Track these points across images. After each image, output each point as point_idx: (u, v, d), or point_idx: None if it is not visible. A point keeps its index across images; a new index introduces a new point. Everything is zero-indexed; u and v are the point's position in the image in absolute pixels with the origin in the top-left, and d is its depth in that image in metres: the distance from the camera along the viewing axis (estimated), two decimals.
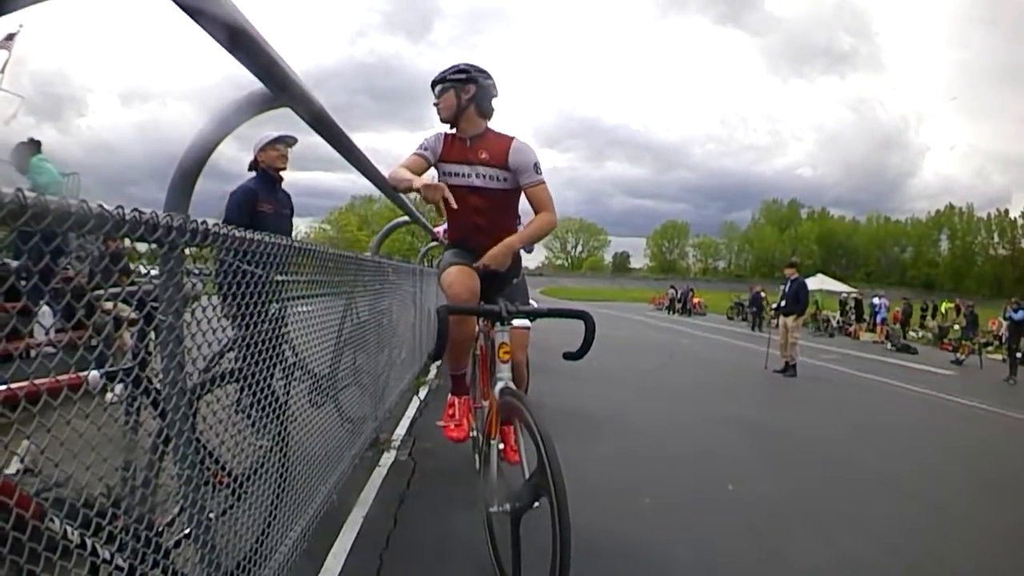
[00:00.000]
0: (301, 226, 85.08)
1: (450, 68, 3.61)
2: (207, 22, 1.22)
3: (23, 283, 1.45)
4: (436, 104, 3.62)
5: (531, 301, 4.14)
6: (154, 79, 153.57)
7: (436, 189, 3.19)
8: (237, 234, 1.85)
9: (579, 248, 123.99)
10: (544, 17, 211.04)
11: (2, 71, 14.27)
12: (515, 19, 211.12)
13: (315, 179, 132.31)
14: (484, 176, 3.55)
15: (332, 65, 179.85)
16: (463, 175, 3.57)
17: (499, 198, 3.61)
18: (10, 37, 14.48)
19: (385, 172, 3.40)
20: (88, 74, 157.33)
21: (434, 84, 3.64)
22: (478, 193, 3.57)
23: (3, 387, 1.36)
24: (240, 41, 1.34)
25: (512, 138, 3.59)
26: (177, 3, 1.14)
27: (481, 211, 3.61)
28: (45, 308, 5.15)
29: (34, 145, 7.43)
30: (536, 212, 3.54)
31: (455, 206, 3.23)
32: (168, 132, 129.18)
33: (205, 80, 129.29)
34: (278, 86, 1.61)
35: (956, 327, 23.72)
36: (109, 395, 1.81)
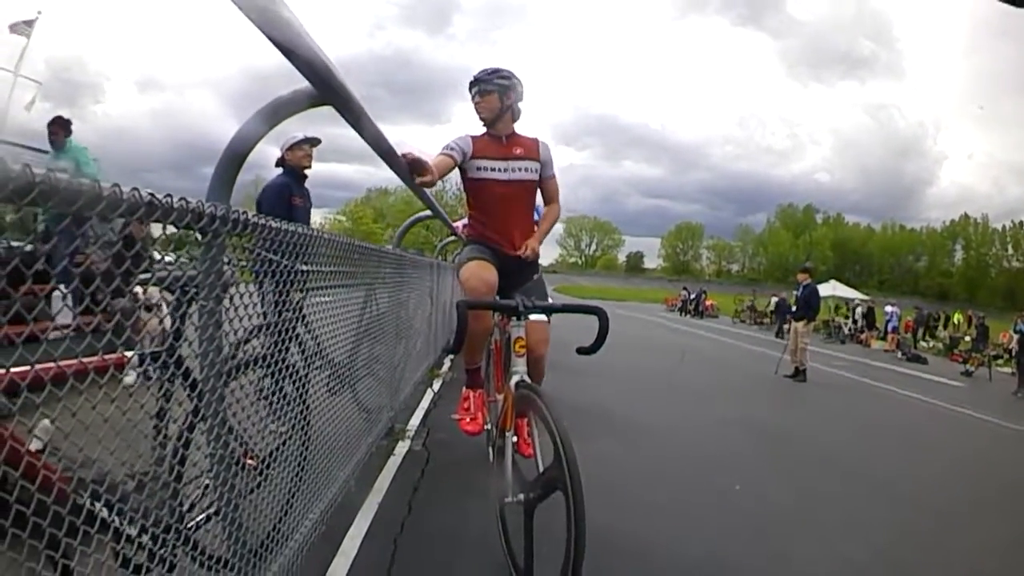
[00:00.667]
0: (316, 217, 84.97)
1: (492, 71, 3.81)
2: (272, 32, 1.29)
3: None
4: (477, 103, 3.83)
5: (548, 298, 4.20)
6: (172, 68, 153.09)
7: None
8: (274, 224, 1.92)
9: (593, 247, 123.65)
10: (563, 14, 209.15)
11: (20, 57, 14.41)
12: (534, 15, 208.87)
13: (332, 170, 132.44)
14: (520, 169, 3.84)
15: (350, 57, 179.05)
16: (499, 169, 3.82)
17: (527, 188, 3.91)
18: (28, 23, 14.61)
19: None
20: (106, 61, 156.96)
21: (474, 83, 3.84)
22: (510, 185, 3.84)
23: (51, 364, 1.41)
24: (297, 47, 1.41)
25: (536, 137, 3.96)
26: (266, 36, 1.21)
27: (509, 200, 3.86)
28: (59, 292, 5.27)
29: (66, 125, 7.52)
30: (548, 201, 4.06)
31: (434, 174, 3.38)
32: (184, 120, 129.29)
33: (222, 70, 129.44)
34: (325, 87, 1.67)
35: (967, 338, 23.65)
36: (128, 378, 1.87)
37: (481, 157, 3.82)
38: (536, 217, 4.22)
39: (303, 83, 1.66)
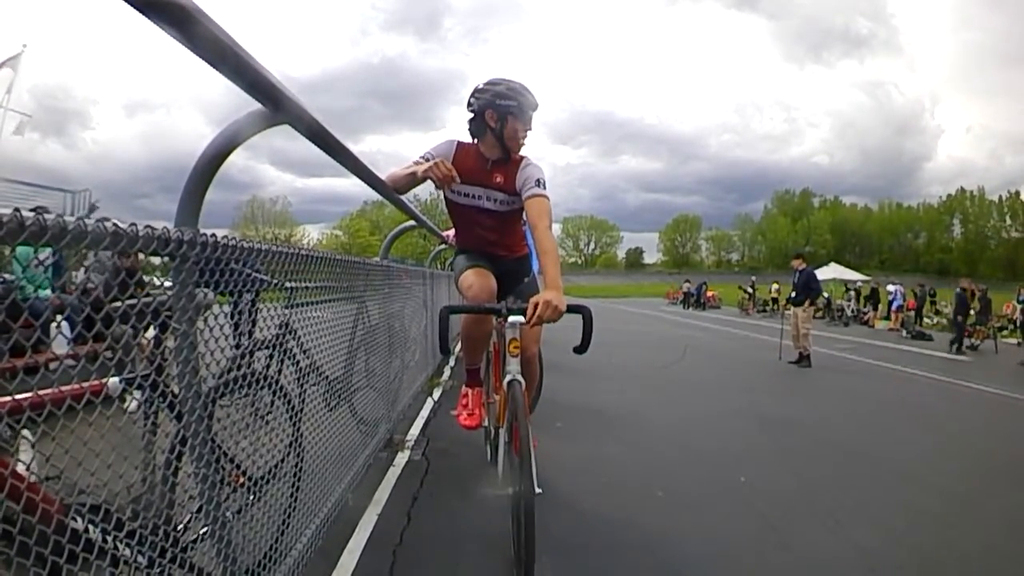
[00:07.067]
0: (313, 232, 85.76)
1: (526, 88, 3.43)
2: (201, 49, 1.31)
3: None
4: (524, 137, 3.48)
5: None
6: (157, 88, 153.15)
7: (439, 168, 3.18)
8: (244, 244, 1.95)
9: (592, 245, 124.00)
10: (556, 9, 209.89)
11: (8, 91, 14.54)
12: (527, 12, 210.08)
13: (327, 185, 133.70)
14: (496, 200, 3.56)
15: (339, 68, 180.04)
16: (475, 196, 3.57)
17: (508, 216, 3.66)
18: (14, 58, 14.77)
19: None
20: (91, 86, 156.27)
21: (517, 108, 3.40)
22: (488, 214, 3.61)
23: (29, 394, 1.44)
24: (238, 67, 1.44)
25: (524, 157, 3.51)
26: (190, 45, 1.23)
27: (491, 228, 3.68)
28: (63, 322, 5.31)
29: None
30: (533, 224, 3.26)
31: (458, 180, 3.26)
32: (174, 142, 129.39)
33: (208, 88, 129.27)
34: (276, 107, 1.70)
35: (971, 312, 23.61)
36: (130, 403, 1.91)
37: (460, 179, 3.42)
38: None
39: (257, 105, 1.69)
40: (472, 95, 3.44)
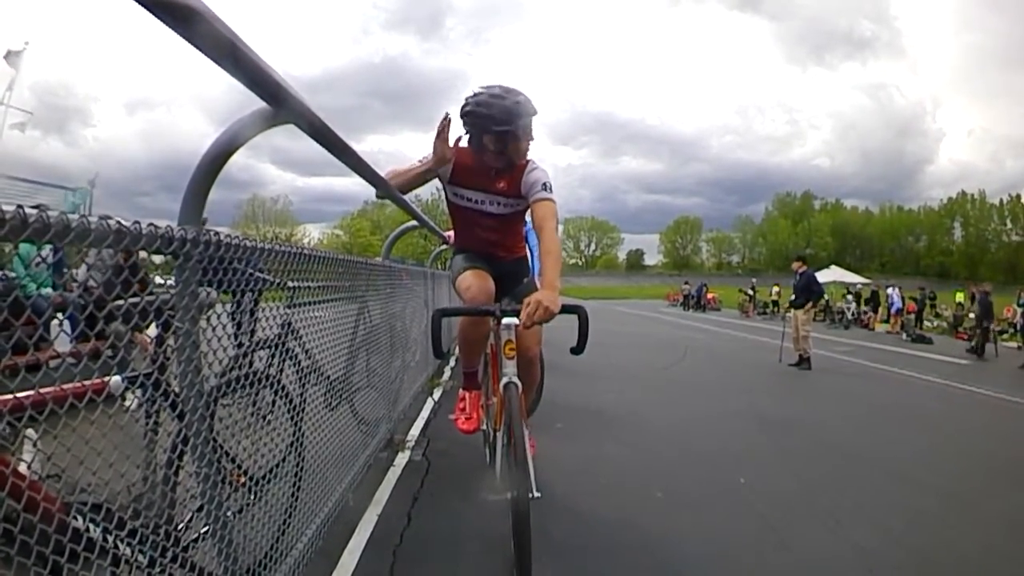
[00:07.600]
0: (314, 232, 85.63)
1: (519, 98, 3.27)
2: (206, 47, 1.30)
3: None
4: (526, 147, 3.41)
5: None
6: (158, 86, 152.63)
7: (442, 146, 3.22)
8: (247, 243, 1.94)
9: (592, 247, 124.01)
10: (558, 8, 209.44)
11: (9, 88, 14.53)
12: (529, 12, 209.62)
13: (328, 184, 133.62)
14: (499, 204, 3.54)
15: (340, 67, 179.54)
16: (477, 201, 3.55)
17: (511, 218, 3.64)
18: (16, 54, 14.74)
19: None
20: (92, 83, 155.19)
21: (506, 127, 3.26)
22: (491, 217, 3.59)
23: (31, 392, 1.44)
24: (243, 64, 1.43)
25: (529, 161, 3.45)
26: (196, 43, 1.23)
27: (493, 229, 3.66)
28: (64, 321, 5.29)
29: None
30: (539, 227, 3.27)
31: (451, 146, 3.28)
32: (175, 140, 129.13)
33: (211, 87, 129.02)
34: (280, 105, 1.69)
35: (971, 315, 23.65)
36: (132, 402, 1.92)
37: (460, 184, 3.53)
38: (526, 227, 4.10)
39: (261, 103, 1.69)
40: (463, 115, 3.31)
